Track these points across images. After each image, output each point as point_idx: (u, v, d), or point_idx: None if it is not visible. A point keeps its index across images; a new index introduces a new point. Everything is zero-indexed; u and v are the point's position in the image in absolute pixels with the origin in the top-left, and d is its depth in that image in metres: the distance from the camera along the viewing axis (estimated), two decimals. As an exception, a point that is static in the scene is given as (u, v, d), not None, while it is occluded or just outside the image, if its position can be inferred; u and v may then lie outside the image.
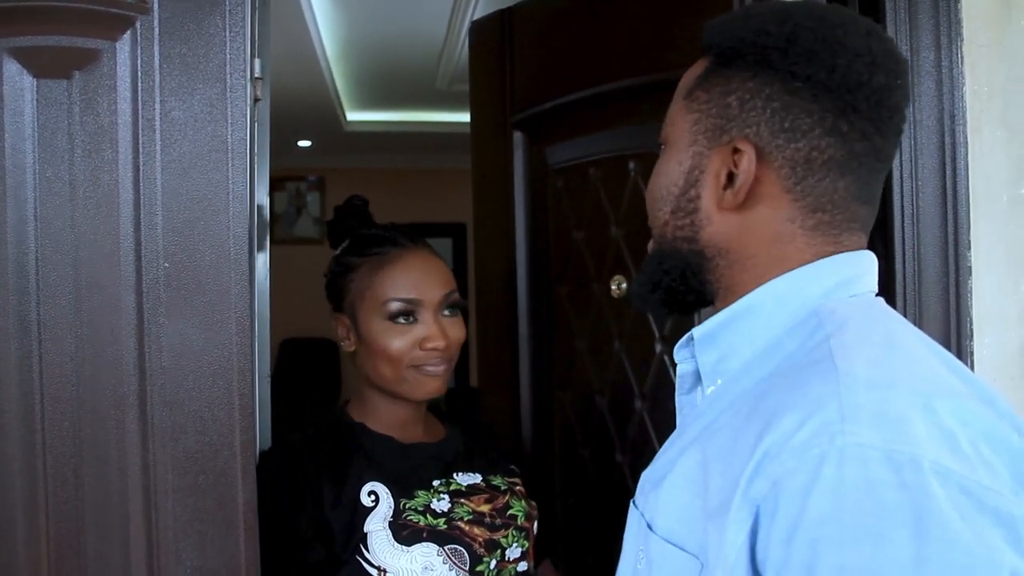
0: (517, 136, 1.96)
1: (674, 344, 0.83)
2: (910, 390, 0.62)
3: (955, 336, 1.27)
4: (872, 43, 0.73)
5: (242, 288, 1.02)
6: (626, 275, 1.67)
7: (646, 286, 0.83)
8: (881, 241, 1.27)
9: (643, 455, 1.62)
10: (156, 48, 0.99)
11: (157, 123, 1.00)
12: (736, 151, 0.74)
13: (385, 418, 1.27)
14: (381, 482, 1.18)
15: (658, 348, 1.62)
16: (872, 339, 0.68)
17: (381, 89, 4.68)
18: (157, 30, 0.99)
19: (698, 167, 0.77)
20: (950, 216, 1.27)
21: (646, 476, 0.79)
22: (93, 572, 0.99)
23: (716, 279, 0.78)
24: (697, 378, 0.81)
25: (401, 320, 1.22)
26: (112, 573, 0.99)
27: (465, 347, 1.28)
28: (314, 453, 1.20)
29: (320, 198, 6.45)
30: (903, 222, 1.27)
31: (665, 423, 1.53)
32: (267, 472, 1.12)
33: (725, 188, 0.75)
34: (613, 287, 1.69)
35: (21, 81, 0.97)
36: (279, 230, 6.18)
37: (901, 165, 1.28)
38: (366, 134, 5.45)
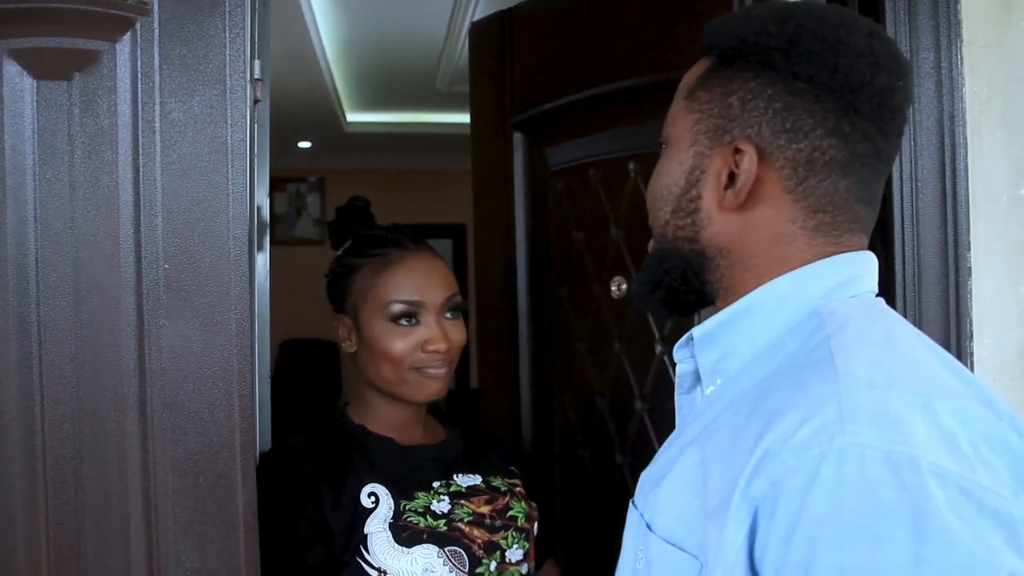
0: (517, 137, 1.96)
1: (674, 345, 0.83)
2: (910, 391, 0.62)
3: (955, 337, 1.27)
4: (874, 44, 0.73)
5: (242, 289, 1.02)
6: (626, 276, 1.67)
7: (647, 286, 0.83)
8: (881, 242, 1.27)
9: (643, 456, 1.62)
10: (156, 50, 0.99)
11: (157, 124, 1.00)
12: (737, 151, 0.74)
13: (385, 420, 1.27)
14: (381, 483, 1.18)
15: (658, 349, 1.62)
16: (872, 339, 0.68)
17: (381, 90, 4.69)
18: (157, 32, 0.99)
19: (699, 167, 0.77)
20: (950, 217, 1.27)
21: (645, 476, 0.79)
22: (93, 573, 0.99)
23: (717, 279, 0.78)
24: (696, 378, 0.81)
25: (403, 322, 1.22)
26: (112, 574, 0.99)
27: (465, 348, 1.28)
28: (314, 455, 1.20)
29: (320, 199, 6.45)
30: (903, 223, 1.27)
31: (665, 424, 1.53)
32: (267, 473, 1.12)
33: (726, 188, 0.75)
34: (613, 288, 1.69)
35: (21, 82, 0.97)
36: (279, 231, 6.18)
37: (901, 166, 1.28)
38: (366, 135, 5.46)
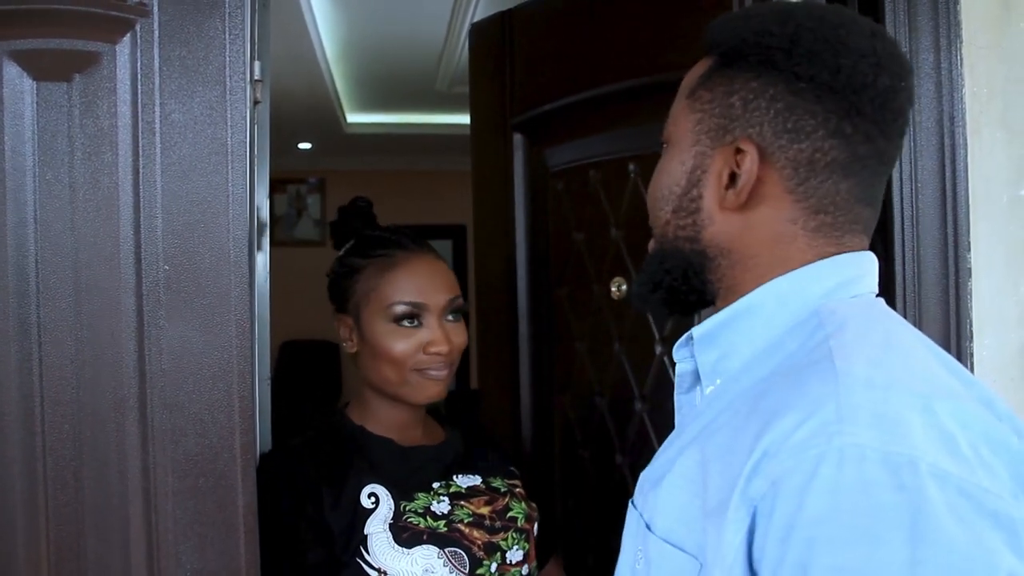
0: (517, 138, 1.96)
1: (674, 345, 0.83)
2: (909, 391, 0.62)
3: (955, 337, 1.26)
4: (876, 44, 0.72)
5: (242, 290, 1.02)
6: (626, 277, 1.67)
7: (647, 286, 0.83)
8: (881, 243, 1.27)
9: (643, 456, 1.61)
10: (156, 51, 0.99)
11: (157, 126, 1.00)
12: (739, 151, 0.74)
13: (385, 420, 1.27)
14: (381, 484, 1.18)
15: (658, 350, 1.62)
16: (872, 340, 0.68)
17: (381, 91, 4.69)
18: (157, 33, 0.99)
19: (700, 167, 0.77)
20: (950, 218, 1.27)
21: (645, 476, 0.79)
22: (93, 575, 0.99)
23: (717, 279, 0.78)
24: (696, 377, 0.81)
25: (406, 323, 1.23)
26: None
27: (465, 349, 1.28)
28: (314, 456, 1.20)
29: (320, 200, 6.45)
30: (903, 224, 1.27)
31: (665, 424, 1.53)
32: (267, 474, 1.12)
33: (727, 188, 0.75)
34: (613, 289, 1.69)
35: (21, 84, 0.98)
36: (279, 232, 6.18)
37: (901, 167, 1.28)
38: (366, 136, 5.46)
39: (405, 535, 1.15)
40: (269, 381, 1.30)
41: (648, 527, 0.73)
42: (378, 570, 1.14)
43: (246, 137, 1.02)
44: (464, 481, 1.25)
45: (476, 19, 2.30)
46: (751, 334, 0.75)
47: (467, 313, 1.30)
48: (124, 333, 0.99)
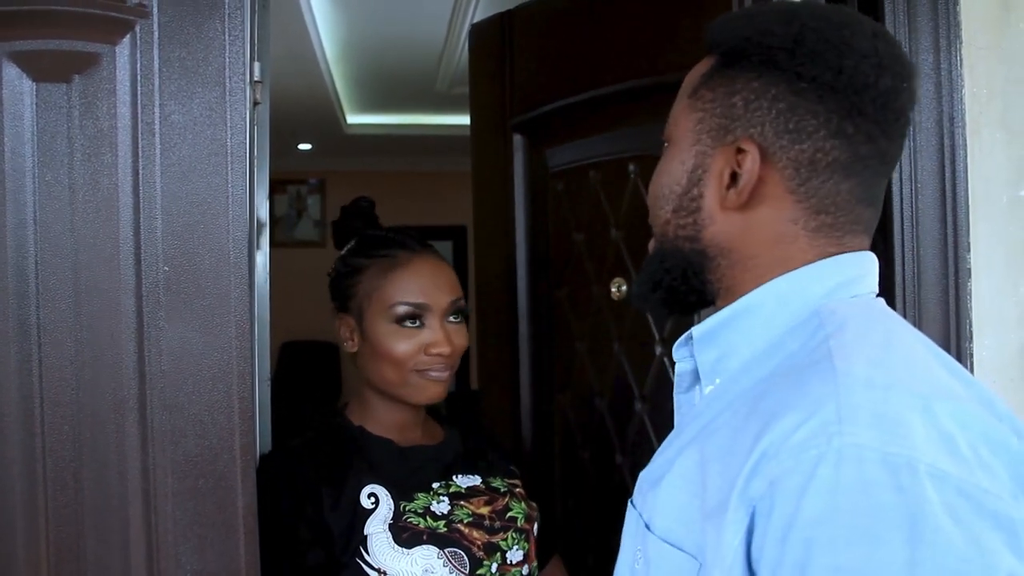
0: (517, 139, 1.96)
1: (673, 345, 0.83)
2: (909, 391, 0.62)
3: (954, 338, 1.26)
4: (879, 45, 0.72)
5: (242, 291, 1.02)
6: (626, 277, 1.67)
7: (647, 285, 0.83)
8: (881, 243, 1.27)
9: (643, 457, 1.61)
10: (155, 52, 0.99)
11: (156, 127, 1.00)
12: (740, 151, 0.74)
13: (384, 421, 1.27)
14: (380, 485, 1.18)
15: (658, 350, 1.62)
16: (872, 340, 0.68)
17: (381, 91, 4.69)
18: (156, 34, 0.99)
19: (701, 166, 0.77)
20: (949, 218, 1.27)
21: (644, 476, 0.79)
22: (93, 576, 0.99)
23: (717, 279, 0.78)
24: (695, 377, 0.81)
25: (408, 324, 1.23)
26: (112, 577, 0.99)
27: (466, 350, 1.28)
28: (313, 456, 1.20)
29: (321, 201, 6.45)
30: (903, 224, 1.27)
31: (665, 425, 1.53)
32: (267, 475, 1.12)
33: (728, 188, 0.75)
34: (613, 289, 1.69)
35: (21, 85, 0.98)
36: (279, 233, 6.18)
37: (901, 167, 1.28)
38: (366, 137, 5.46)
39: (405, 535, 1.15)
40: (269, 382, 1.30)
41: (647, 527, 0.73)
42: (378, 570, 1.13)
43: (246, 138, 1.02)
44: (464, 481, 1.25)
45: (476, 19, 2.31)
46: (751, 334, 0.75)
47: (467, 314, 1.30)
48: (124, 334, 0.99)
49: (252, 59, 1.04)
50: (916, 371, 0.66)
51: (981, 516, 0.57)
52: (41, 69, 0.98)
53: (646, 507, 0.74)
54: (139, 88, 0.99)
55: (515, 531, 1.24)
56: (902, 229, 1.27)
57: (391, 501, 1.17)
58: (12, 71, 0.97)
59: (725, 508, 0.63)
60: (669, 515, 0.71)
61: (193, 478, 1.00)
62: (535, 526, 1.30)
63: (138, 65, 0.99)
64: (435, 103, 4.75)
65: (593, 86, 1.74)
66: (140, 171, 0.99)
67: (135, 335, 0.99)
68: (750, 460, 0.62)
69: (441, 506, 1.19)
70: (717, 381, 0.77)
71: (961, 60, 1.28)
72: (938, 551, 0.55)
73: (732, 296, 0.77)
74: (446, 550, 1.16)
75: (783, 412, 0.63)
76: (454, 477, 1.25)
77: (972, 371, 1.26)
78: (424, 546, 1.15)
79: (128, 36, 0.99)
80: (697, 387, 0.82)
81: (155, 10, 0.99)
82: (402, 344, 1.22)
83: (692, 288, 0.80)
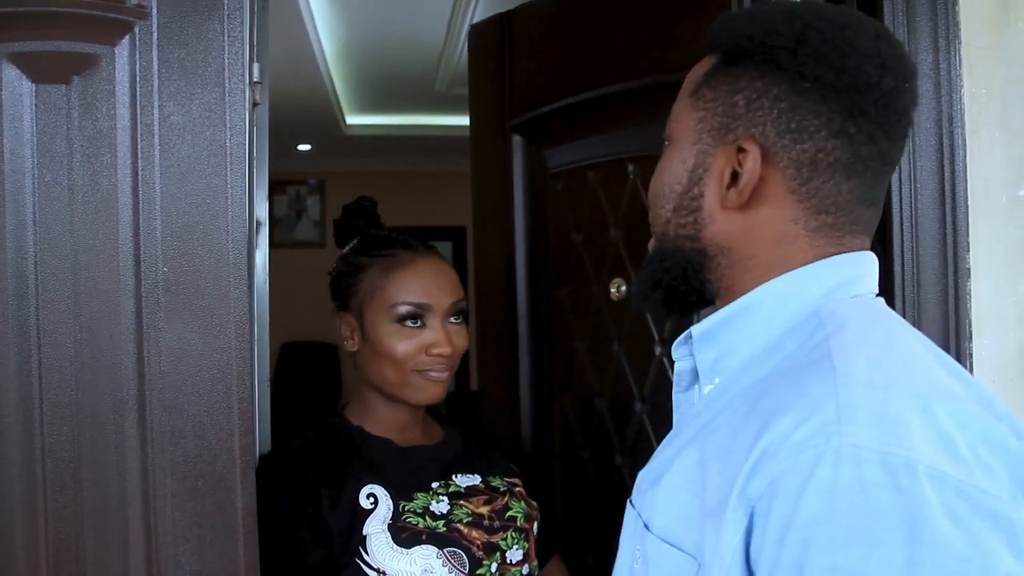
0: (516, 139, 1.96)
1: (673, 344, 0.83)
2: (908, 392, 0.62)
3: (954, 338, 1.26)
4: (881, 45, 0.72)
5: (241, 292, 1.02)
6: (625, 278, 1.67)
7: (647, 284, 0.83)
8: (880, 243, 1.27)
9: (642, 457, 1.61)
10: (155, 53, 0.99)
11: (156, 128, 1.00)
12: (741, 150, 0.74)
13: (384, 421, 1.27)
14: (380, 485, 1.18)
15: (657, 350, 1.62)
16: (871, 340, 0.68)
17: (380, 92, 4.69)
18: (156, 35, 0.99)
19: (702, 165, 0.77)
20: (949, 218, 1.27)
21: (643, 475, 0.79)
22: (92, 576, 0.99)
23: (717, 278, 0.78)
24: (694, 376, 0.81)
25: (409, 324, 1.23)
26: (111, 577, 0.99)
27: (466, 350, 1.28)
28: (313, 457, 1.20)
29: (320, 202, 6.45)
30: (902, 224, 1.27)
31: (664, 425, 1.53)
32: (266, 476, 1.12)
33: (729, 187, 0.75)
34: (612, 290, 1.69)
35: (20, 86, 0.98)
36: (279, 234, 6.18)
37: (900, 167, 1.28)
38: (366, 137, 5.46)
39: (404, 535, 1.15)
40: (268, 382, 1.30)
41: (646, 526, 0.73)
42: (377, 570, 1.13)
43: (245, 139, 1.02)
44: (463, 481, 1.25)
45: (476, 20, 2.31)
46: (751, 333, 0.75)
47: (467, 314, 1.30)
48: (123, 335, 0.99)
49: (251, 60, 1.04)
50: (915, 371, 0.66)
51: (980, 517, 0.57)
52: (40, 70, 0.98)
53: (645, 507, 0.74)
54: (138, 89, 0.99)
55: (515, 530, 1.24)
56: (901, 229, 1.27)
57: (390, 501, 1.17)
58: (11, 72, 0.97)
59: (724, 507, 0.63)
60: (668, 515, 0.71)
61: (192, 479, 1.00)
62: (535, 525, 1.30)
63: (137, 66, 0.99)
64: (434, 104, 4.75)
65: (592, 86, 1.74)
66: (139, 172, 0.99)
67: (134, 336, 1.00)
68: (749, 459, 0.62)
69: (440, 506, 1.19)
70: (716, 380, 0.77)
71: (960, 60, 1.28)
72: (937, 552, 0.55)
73: (732, 296, 0.77)
74: (445, 550, 1.16)
75: (782, 412, 0.63)
76: (453, 477, 1.25)
77: (971, 371, 1.26)
78: (423, 546, 1.15)
79: (127, 37, 0.99)
80: (696, 386, 0.82)
81: (154, 11, 0.99)
82: (403, 344, 1.22)
83: (692, 287, 0.80)
